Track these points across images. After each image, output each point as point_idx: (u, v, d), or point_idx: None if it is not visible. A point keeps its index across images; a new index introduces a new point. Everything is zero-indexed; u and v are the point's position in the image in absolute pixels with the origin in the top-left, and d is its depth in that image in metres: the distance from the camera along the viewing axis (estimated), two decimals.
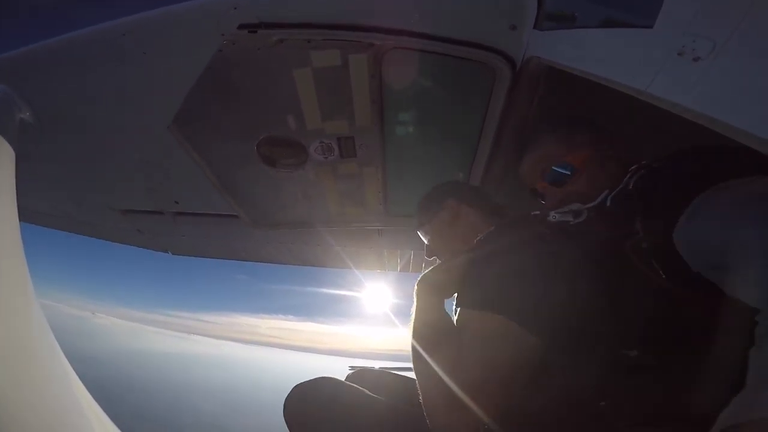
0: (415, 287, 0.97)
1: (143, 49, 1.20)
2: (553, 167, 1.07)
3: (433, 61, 1.26)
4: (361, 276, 2.77)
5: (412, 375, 0.91)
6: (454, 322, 0.86)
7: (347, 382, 1.21)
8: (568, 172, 1.05)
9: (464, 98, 1.41)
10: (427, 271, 0.99)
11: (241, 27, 1.14)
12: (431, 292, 0.93)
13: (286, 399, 1.13)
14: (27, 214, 2.17)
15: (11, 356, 0.95)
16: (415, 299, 0.95)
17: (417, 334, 0.88)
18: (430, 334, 0.86)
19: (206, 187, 1.90)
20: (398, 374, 1.46)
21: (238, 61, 1.26)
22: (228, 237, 2.38)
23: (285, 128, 1.56)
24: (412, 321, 0.92)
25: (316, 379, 1.17)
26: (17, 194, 1.16)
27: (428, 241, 1.30)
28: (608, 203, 0.85)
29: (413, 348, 0.86)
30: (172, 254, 2.55)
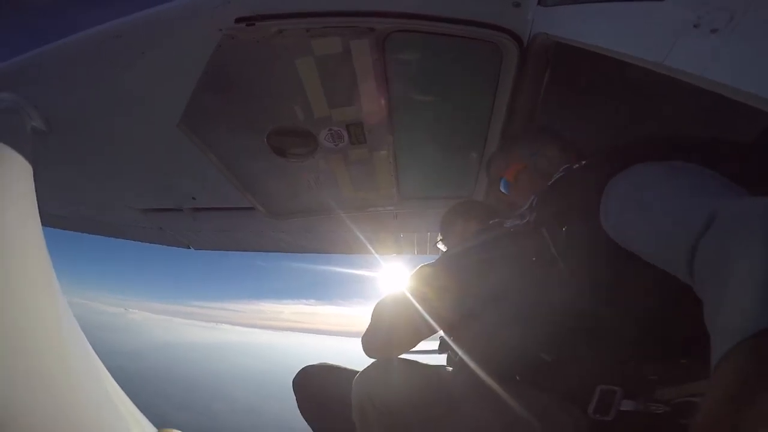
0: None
1: (141, 50, 1.20)
2: (498, 181, 1.26)
3: (437, 42, 1.23)
4: (379, 259, 2.77)
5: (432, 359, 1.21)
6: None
7: (343, 366, 1.37)
8: (508, 186, 1.22)
9: (472, 79, 1.38)
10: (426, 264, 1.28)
11: (238, 21, 1.12)
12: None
13: (292, 381, 1.32)
14: (51, 219, 2.24)
15: (42, 354, 1.00)
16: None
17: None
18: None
19: (221, 181, 1.92)
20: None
21: (239, 55, 1.25)
22: (246, 229, 2.41)
23: (293, 118, 1.54)
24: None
25: (317, 364, 1.36)
26: (39, 200, 1.20)
27: None
28: (534, 204, 0.98)
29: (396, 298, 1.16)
30: (194, 249, 2.60)
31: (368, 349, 1.17)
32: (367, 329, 1.19)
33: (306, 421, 1.31)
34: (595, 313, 0.80)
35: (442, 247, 1.62)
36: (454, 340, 1.17)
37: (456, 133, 1.66)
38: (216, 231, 2.41)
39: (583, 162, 0.93)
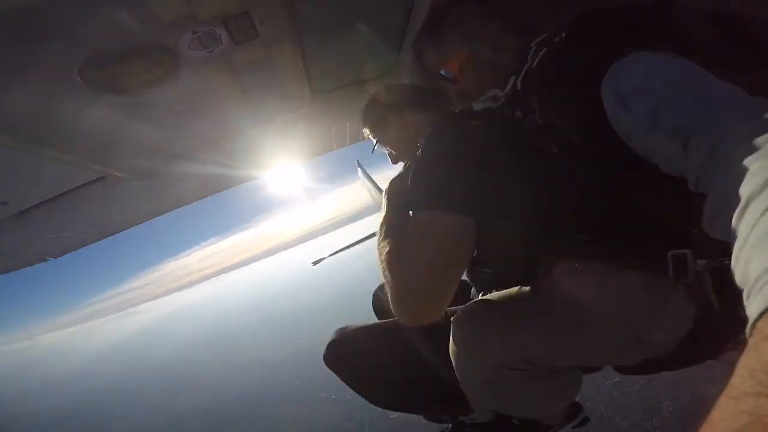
0: (384, 192, 1.13)
1: None
2: (440, 74, 1.09)
3: None
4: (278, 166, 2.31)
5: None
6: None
7: (359, 324, 1.28)
8: (451, 78, 1.07)
9: None
10: (395, 176, 1.16)
11: None
12: (394, 196, 1.10)
13: (324, 355, 1.23)
14: None
15: None
16: (384, 202, 1.10)
17: (380, 234, 1.00)
18: (389, 234, 0.98)
19: (34, 163, 1.22)
20: None
21: None
22: (108, 207, 1.71)
23: (121, 34, 0.88)
24: (380, 222, 1.04)
25: (335, 336, 1.25)
26: None
27: (389, 151, 1.32)
28: (519, 86, 0.86)
29: (378, 245, 0.98)
30: (53, 258, 1.82)
31: (414, 319, 0.88)
32: (392, 300, 0.87)
33: (358, 393, 1.25)
34: (632, 197, 0.75)
35: (383, 150, 1.32)
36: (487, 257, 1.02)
37: (373, 5, 1.19)
38: (66, 226, 1.67)
39: (563, 35, 0.79)
